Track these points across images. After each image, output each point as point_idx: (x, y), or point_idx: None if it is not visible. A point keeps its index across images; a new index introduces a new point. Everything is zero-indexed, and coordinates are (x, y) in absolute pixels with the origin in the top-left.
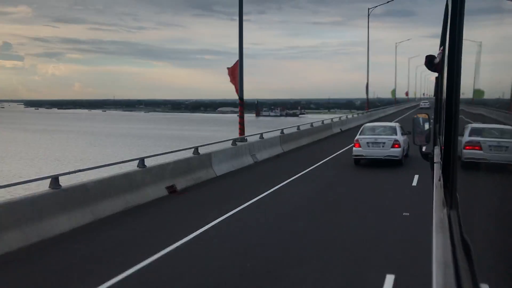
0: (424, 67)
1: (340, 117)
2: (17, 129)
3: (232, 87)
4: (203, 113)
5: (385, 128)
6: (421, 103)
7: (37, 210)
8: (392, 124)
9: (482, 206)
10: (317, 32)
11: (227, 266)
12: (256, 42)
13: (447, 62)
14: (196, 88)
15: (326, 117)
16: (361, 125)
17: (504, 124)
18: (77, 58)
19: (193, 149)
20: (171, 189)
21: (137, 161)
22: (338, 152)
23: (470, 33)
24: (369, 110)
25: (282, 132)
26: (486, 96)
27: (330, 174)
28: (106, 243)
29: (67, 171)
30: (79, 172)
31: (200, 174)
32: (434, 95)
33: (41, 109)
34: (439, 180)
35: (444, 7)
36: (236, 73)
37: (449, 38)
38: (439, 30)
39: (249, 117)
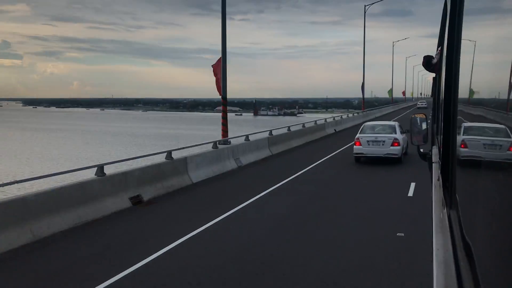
0: (421, 67)
1: (334, 117)
2: (13, 127)
3: (233, 87)
4: (201, 112)
5: (384, 127)
6: (418, 103)
7: None
8: (392, 123)
9: (483, 206)
10: (316, 32)
11: None
12: (255, 41)
13: (445, 62)
14: (194, 87)
15: (323, 116)
16: (357, 125)
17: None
18: (76, 57)
19: (165, 154)
20: (136, 200)
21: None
22: (330, 155)
23: (469, 33)
24: (365, 110)
25: (270, 134)
26: (484, 96)
27: (320, 178)
28: (40, 271)
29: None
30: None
31: (172, 182)
32: (432, 95)
33: (39, 108)
34: (438, 180)
35: (442, 7)
36: (219, 71)
37: (448, 38)
38: (437, 30)
39: (247, 116)
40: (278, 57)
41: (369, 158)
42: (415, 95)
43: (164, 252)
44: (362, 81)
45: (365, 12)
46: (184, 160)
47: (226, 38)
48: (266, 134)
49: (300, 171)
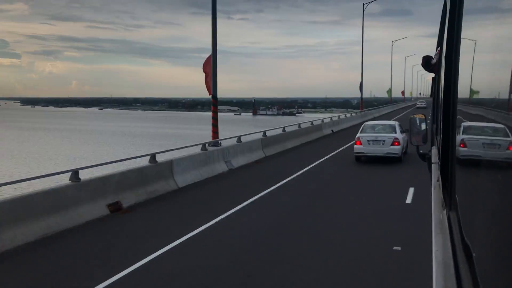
0: (421, 67)
1: (331, 118)
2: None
3: (232, 86)
4: (200, 111)
5: (385, 126)
6: (417, 103)
7: None
8: (392, 122)
9: (482, 207)
10: (315, 31)
11: None
12: (254, 41)
13: (444, 61)
14: (193, 87)
15: (322, 116)
16: (354, 126)
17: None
18: (74, 56)
19: (149, 157)
20: (115, 207)
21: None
22: (326, 157)
23: (468, 33)
24: (364, 110)
25: (264, 135)
26: (483, 96)
27: (312, 187)
28: None
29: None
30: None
31: (156, 187)
32: (431, 95)
33: (38, 107)
34: (438, 180)
35: (441, 7)
36: (209, 69)
37: (447, 38)
38: (436, 29)
39: (246, 116)
40: (277, 56)
41: (369, 157)
42: (414, 95)
43: (139, 267)
44: (360, 80)
45: (363, 11)
46: (170, 163)
47: (216, 36)
48: (260, 135)
49: (292, 175)
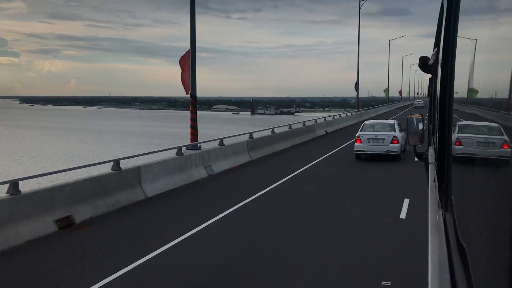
0: (418, 66)
1: (325, 118)
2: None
3: (231, 86)
4: (199, 110)
5: (384, 125)
6: (415, 102)
7: None
8: (391, 121)
9: (478, 208)
10: (313, 31)
11: None
12: (252, 40)
13: (441, 61)
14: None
15: (320, 115)
16: (350, 126)
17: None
18: (73, 55)
19: (112, 163)
20: (65, 223)
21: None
22: (316, 160)
23: (465, 33)
24: (360, 109)
25: (251, 137)
26: (480, 96)
27: (295, 197)
28: None
29: None
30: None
31: (119, 197)
32: (428, 95)
33: (36, 106)
34: (434, 181)
35: (439, 7)
36: (187, 66)
37: (444, 37)
38: (434, 29)
39: (244, 115)
40: (275, 55)
41: (369, 155)
42: (411, 94)
43: None
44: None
45: (359, 8)
46: (137, 170)
47: (195, 32)
48: (246, 137)
49: (277, 181)
